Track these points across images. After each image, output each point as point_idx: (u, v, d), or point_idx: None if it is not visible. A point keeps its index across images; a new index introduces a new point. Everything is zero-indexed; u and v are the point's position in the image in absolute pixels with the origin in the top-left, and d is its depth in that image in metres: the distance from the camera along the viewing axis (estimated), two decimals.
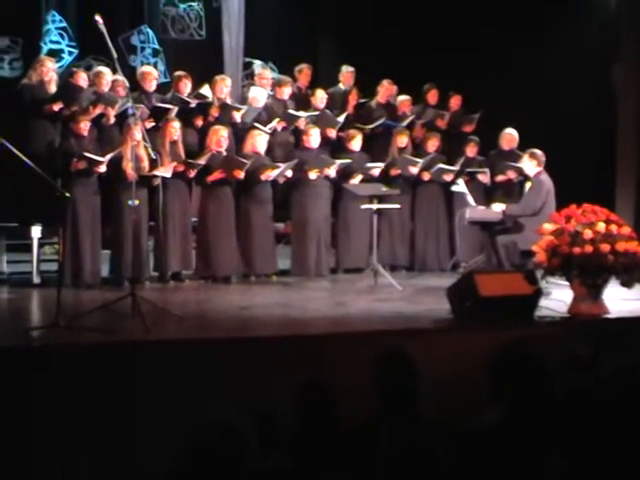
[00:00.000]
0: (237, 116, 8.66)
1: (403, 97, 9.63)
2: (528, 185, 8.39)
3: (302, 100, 9.38)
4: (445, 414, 3.40)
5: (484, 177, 9.21)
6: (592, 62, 10.29)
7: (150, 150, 7.60)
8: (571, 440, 3.00)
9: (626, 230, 6.38)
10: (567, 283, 6.46)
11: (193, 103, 8.50)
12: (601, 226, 6.28)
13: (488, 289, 6.04)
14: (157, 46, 10.85)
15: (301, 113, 9.02)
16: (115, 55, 6.17)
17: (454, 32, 10.35)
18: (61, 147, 7.89)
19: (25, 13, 9.84)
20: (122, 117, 8.06)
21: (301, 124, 8.99)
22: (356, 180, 8.83)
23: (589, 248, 6.19)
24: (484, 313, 5.93)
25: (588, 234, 6.23)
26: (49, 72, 8.21)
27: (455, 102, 9.78)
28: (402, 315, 6.39)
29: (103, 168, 7.69)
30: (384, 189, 8.40)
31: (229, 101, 8.76)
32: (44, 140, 8.05)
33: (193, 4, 11.10)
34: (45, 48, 10.01)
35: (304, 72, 9.60)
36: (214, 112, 8.56)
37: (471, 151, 9.40)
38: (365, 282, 7.92)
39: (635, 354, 3.13)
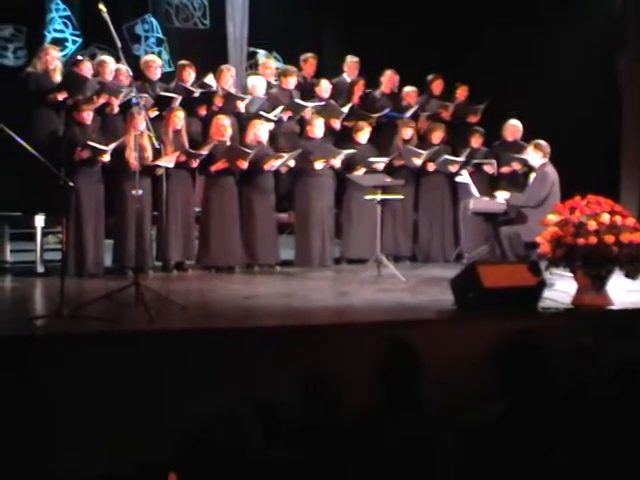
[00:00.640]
0: (241, 106, 8.64)
1: (409, 88, 9.59)
2: (533, 176, 8.36)
3: (307, 90, 9.35)
4: (448, 405, 3.40)
5: (491, 168, 9.18)
6: (597, 53, 10.25)
7: (154, 140, 7.59)
8: (574, 433, 2.99)
9: (630, 221, 6.37)
10: (571, 274, 6.45)
11: (197, 92, 8.48)
12: (605, 217, 6.27)
13: (492, 280, 6.03)
14: (161, 35, 10.83)
15: (307, 103, 9.00)
16: (119, 44, 6.16)
17: (459, 23, 10.32)
18: (65, 136, 7.88)
19: (29, 2, 9.86)
20: (126, 106, 8.04)
21: (307, 114, 8.98)
22: (360, 172, 8.81)
23: (593, 239, 6.18)
24: (488, 304, 5.93)
25: (592, 225, 6.22)
26: (53, 60, 8.19)
27: (462, 93, 9.74)
28: (405, 306, 6.39)
29: (107, 157, 7.68)
30: (388, 180, 8.39)
31: (233, 91, 8.74)
32: (48, 129, 8.04)
33: None
34: (49, 37, 10.00)
35: (309, 62, 9.57)
36: (218, 102, 8.54)
37: (476, 142, 9.37)
38: (369, 273, 7.92)
39: (638, 345, 3.13)
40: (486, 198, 8.38)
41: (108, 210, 7.93)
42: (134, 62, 8.59)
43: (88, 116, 7.81)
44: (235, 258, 8.30)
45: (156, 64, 8.58)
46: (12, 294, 7.27)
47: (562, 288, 6.62)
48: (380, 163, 8.86)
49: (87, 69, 8.28)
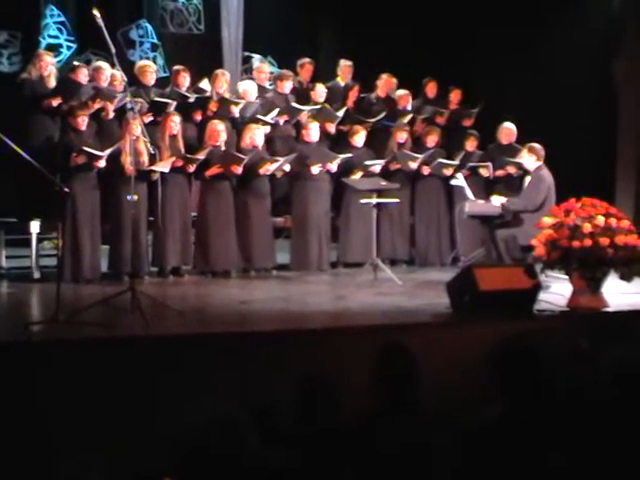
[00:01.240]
0: (235, 110, 8.64)
1: (402, 92, 9.61)
2: (528, 179, 8.37)
3: (303, 95, 9.37)
4: (445, 409, 3.40)
5: (486, 171, 9.19)
6: (594, 55, 10.26)
7: (149, 145, 7.59)
8: (571, 435, 3.00)
9: (625, 223, 6.39)
10: (566, 277, 6.46)
11: (192, 98, 8.49)
12: (600, 219, 6.28)
13: (488, 283, 6.04)
14: (156, 40, 10.83)
15: (303, 107, 9.01)
16: (113, 50, 6.16)
17: (454, 26, 10.34)
18: (60, 142, 7.88)
19: (24, 7, 9.82)
20: (121, 112, 8.04)
21: (302, 118, 8.98)
22: (357, 176, 8.81)
23: (588, 242, 6.19)
24: (484, 307, 5.94)
25: (587, 228, 6.23)
26: (47, 66, 8.20)
27: (455, 96, 9.77)
28: (402, 309, 6.40)
29: (102, 163, 7.68)
30: (383, 183, 8.40)
31: (227, 95, 8.75)
32: (43, 135, 8.04)
33: None
34: (44, 43, 9.99)
35: (306, 67, 9.59)
36: (213, 107, 8.55)
37: (471, 145, 9.39)
38: (365, 276, 7.92)
39: (634, 347, 3.13)
40: (481, 201, 8.38)
41: (104, 215, 7.93)
42: (129, 67, 8.58)
43: (83, 122, 7.80)
44: (231, 263, 8.30)
45: (151, 69, 8.59)
46: (8, 300, 7.26)
47: (558, 291, 6.63)
48: (377, 165, 8.87)
49: (83, 75, 8.27)
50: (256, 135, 8.44)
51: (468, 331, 5.64)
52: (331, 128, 9.10)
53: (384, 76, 9.62)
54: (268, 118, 8.73)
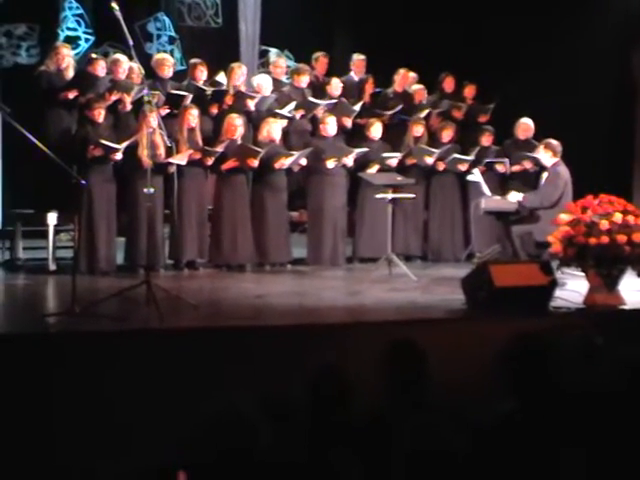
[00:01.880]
0: (251, 104, 8.64)
1: (417, 86, 9.60)
2: (544, 175, 8.33)
3: (319, 88, 9.36)
4: (458, 405, 3.40)
5: (503, 167, 9.16)
6: (612, 49, 10.19)
7: (166, 137, 7.60)
8: (584, 433, 2.99)
9: None
10: (582, 274, 6.43)
11: (208, 91, 8.50)
12: (618, 217, 6.24)
13: (503, 279, 6.02)
14: (173, 34, 10.85)
15: (319, 101, 9.00)
16: (131, 42, 6.16)
17: (470, 21, 10.30)
18: (77, 134, 7.91)
19: (42, 0, 9.86)
20: (138, 104, 8.06)
21: (318, 112, 8.98)
22: (373, 170, 8.80)
23: (605, 239, 6.15)
24: (499, 304, 5.92)
25: (604, 225, 6.19)
26: (65, 59, 8.23)
27: (469, 92, 9.74)
28: (416, 305, 6.39)
29: (119, 155, 7.71)
30: (399, 178, 8.38)
31: (244, 89, 8.75)
32: (60, 127, 8.08)
33: None
34: (62, 35, 10.04)
35: (320, 60, 9.58)
36: (229, 100, 8.55)
37: (486, 140, 9.35)
38: (380, 272, 7.91)
39: None
40: (498, 197, 8.35)
41: (120, 208, 7.96)
42: (146, 60, 8.60)
43: (100, 114, 7.83)
44: (246, 257, 8.30)
45: (168, 63, 8.60)
46: (24, 291, 7.31)
47: (574, 288, 6.60)
48: (393, 159, 8.86)
49: (100, 67, 8.29)
50: (273, 129, 8.44)
51: (483, 328, 5.62)
52: (348, 122, 9.08)
53: (401, 71, 9.60)
54: (285, 112, 8.72)
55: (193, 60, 8.85)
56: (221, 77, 8.81)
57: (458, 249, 9.29)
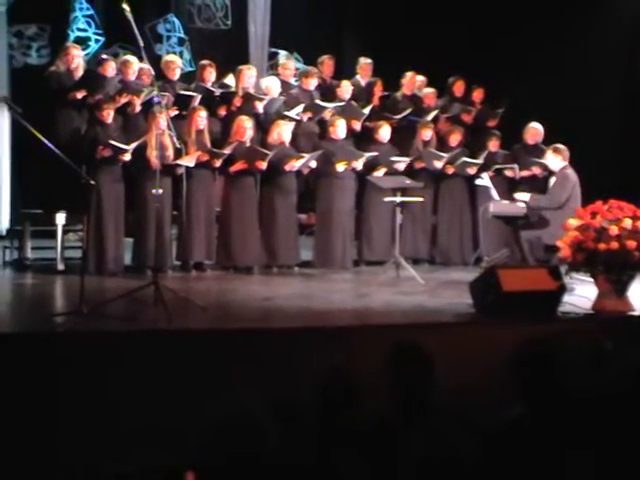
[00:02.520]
0: (259, 106, 8.64)
1: (428, 90, 9.59)
2: (553, 180, 8.31)
3: (327, 91, 9.35)
4: (465, 410, 3.38)
5: (512, 173, 9.15)
6: (620, 53, 10.17)
7: (175, 139, 7.61)
8: (591, 438, 2.98)
9: None
10: (591, 279, 6.40)
11: (217, 92, 8.50)
12: (627, 222, 6.22)
13: (511, 284, 6.00)
14: (183, 35, 10.87)
15: (327, 104, 9.00)
16: (142, 44, 6.17)
17: (478, 26, 10.29)
18: (87, 134, 7.92)
19: (53, 1, 9.90)
20: (147, 105, 8.07)
21: (327, 115, 8.97)
22: (380, 173, 8.80)
23: (615, 244, 6.13)
24: (507, 308, 5.90)
25: (614, 230, 6.17)
26: (75, 59, 8.25)
27: (477, 95, 9.72)
28: (424, 308, 6.38)
29: (128, 156, 7.72)
30: (407, 182, 8.37)
31: (252, 91, 8.75)
32: (70, 127, 8.09)
33: None
34: (72, 36, 10.06)
35: (326, 63, 9.57)
36: (237, 102, 8.55)
37: (493, 145, 9.34)
38: (388, 275, 7.90)
39: None
40: (506, 201, 8.33)
41: (128, 209, 7.96)
42: (156, 62, 8.62)
43: (109, 115, 7.84)
44: (253, 258, 8.30)
45: (175, 65, 8.60)
46: (33, 291, 7.32)
47: (582, 293, 6.58)
48: (401, 163, 8.85)
49: (110, 68, 8.31)
50: (284, 131, 8.44)
51: (491, 332, 5.60)
52: (357, 125, 9.08)
53: (409, 74, 9.59)
54: (293, 114, 8.72)
55: (202, 62, 8.85)
56: (230, 80, 8.81)
57: (466, 253, 9.27)
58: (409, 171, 8.89)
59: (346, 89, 9.15)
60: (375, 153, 8.75)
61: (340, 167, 8.62)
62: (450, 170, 9.12)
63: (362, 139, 9.15)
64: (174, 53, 10.04)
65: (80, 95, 8.06)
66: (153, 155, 7.45)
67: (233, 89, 8.67)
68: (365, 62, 9.66)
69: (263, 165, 8.16)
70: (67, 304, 6.30)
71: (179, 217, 8.11)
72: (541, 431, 2.96)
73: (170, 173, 7.89)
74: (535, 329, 5.25)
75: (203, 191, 8.15)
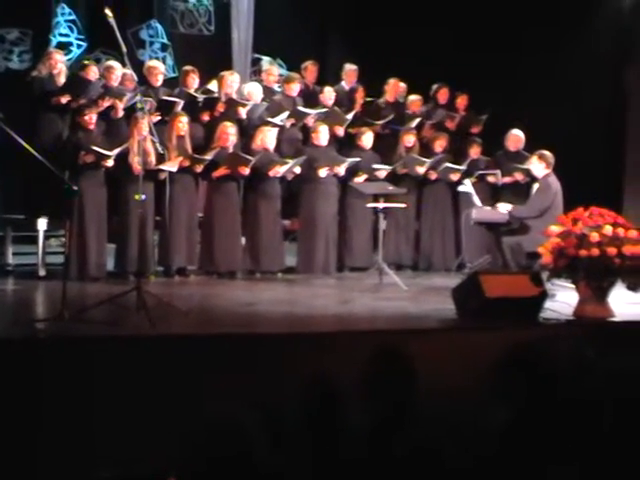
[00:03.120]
0: (242, 112, 8.64)
1: (414, 97, 9.62)
2: (535, 186, 8.36)
3: (310, 97, 9.37)
4: (448, 415, 3.40)
5: (494, 178, 9.20)
6: (605, 63, 10.25)
7: (157, 144, 7.59)
8: (574, 444, 2.99)
9: (633, 233, 6.36)
10: (573, 285, 6.45)
11: (200, 98, 8.50)
12: (608, 229, 6.27)
13: (493, 290, 6.03)
14: (166, 41, 10.85)
15: (309, 110, 9.01)
16: (124, 49, 6.16)
17: (463, 31, 10.33)
18: (69, 140, 7.90)
19: (35, 5, 9.85)
20: (130, 111, 8.06)
21: (309, 121, 8.99)
22: (361, 179, 8.82)
23: (596, 251, 6.18)
24: (489, 314, 5.93)
25: (595, 237, 6.22)
26: (57, 64, 8.22)
27: (461, 102, 9.77)
28: (407, 314, 6.40)
29: (110, 162, 7.70)
30: (390, 188, 8.39)
31: (235, 97, 8.75)
32: (52, 133, 8.07)
33: None
34: (54, 41, 10.02)
35: (309, 69, 9.59)
36: (220, 107, 8.55)
37: (474, 152, 9.39)
38: (370, 280, 7.92)
39: (636, 358, 3.13)
40: (488, 208, 8.38)
41: (111, 214, 7.94)
42: (139, 67, 8.60)
43: (92, 120, 7.82)
44: (236, 264, 8.30)
45: (158, 70, 8.60)
46: (14, 297, 7.28)
47: (563, 299, 6.61)
48: (382, 171, 8.87)
49: (93, 73, 8.31)
50: (267, 137, 8.45)
51: (473, 338, 5.63)
52: (340, 131, 9.10)
53: (392, 81, 9.63)
54: (277, 120, 8.73)
55: (185, 67, 8.85)
56: (213, 86, 8.81)
57: (449, 259, 9.31)
58: (392, 177, 8.92)
59: (329, 95, 9.18)
60: (357, 159, 8.77)
61: (322, 172, 8.64)
62: (433, 176, 9.16)
63: (345, 145, 9.17)
64: (157, 59, 10.02)
65: (64, 100, 8.04)
66: (135, 161, 7.44)
67: (216, 95, 8.67)
68: (350, 68, 9.69)
69: (246, 171, 8.17)
70: (49, 310, 6.27)
71: (162, 222, 8.09)
72: (526, 437, 2.98)
73: (153, 178, 7.88)
74: (517, 335, 5.28)
75: (186, 196, 8.15)
